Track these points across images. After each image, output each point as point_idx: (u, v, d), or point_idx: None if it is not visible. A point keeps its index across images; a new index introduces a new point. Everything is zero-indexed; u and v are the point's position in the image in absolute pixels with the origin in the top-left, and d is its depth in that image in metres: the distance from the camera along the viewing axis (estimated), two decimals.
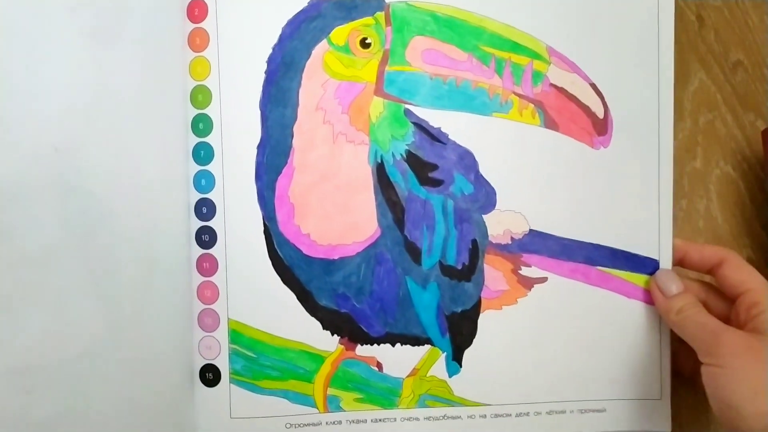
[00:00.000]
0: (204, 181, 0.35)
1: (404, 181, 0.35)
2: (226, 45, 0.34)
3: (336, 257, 0.35)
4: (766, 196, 0.40)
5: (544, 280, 0.36)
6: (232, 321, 0.35)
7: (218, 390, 0.35)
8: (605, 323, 0.36)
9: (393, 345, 0.36)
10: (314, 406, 0.36)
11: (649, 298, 0.36)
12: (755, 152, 0.40)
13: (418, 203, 0.35)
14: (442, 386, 0.36)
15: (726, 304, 0.35)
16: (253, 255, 0.35)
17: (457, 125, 0.35)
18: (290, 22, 0.34)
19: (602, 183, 0.36)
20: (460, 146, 0.35)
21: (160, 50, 0.34)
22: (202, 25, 0.34)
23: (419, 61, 0.35)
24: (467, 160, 0.35)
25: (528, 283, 0.36)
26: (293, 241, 0.35)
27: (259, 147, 0.35)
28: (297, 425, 0.36)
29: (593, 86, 0.35)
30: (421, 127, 0.35)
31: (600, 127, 0.35)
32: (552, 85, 0.35)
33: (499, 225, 0.36)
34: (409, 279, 0.35)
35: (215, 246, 0.35)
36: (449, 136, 0.35)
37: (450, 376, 0.36)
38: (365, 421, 0.36)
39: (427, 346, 0.36)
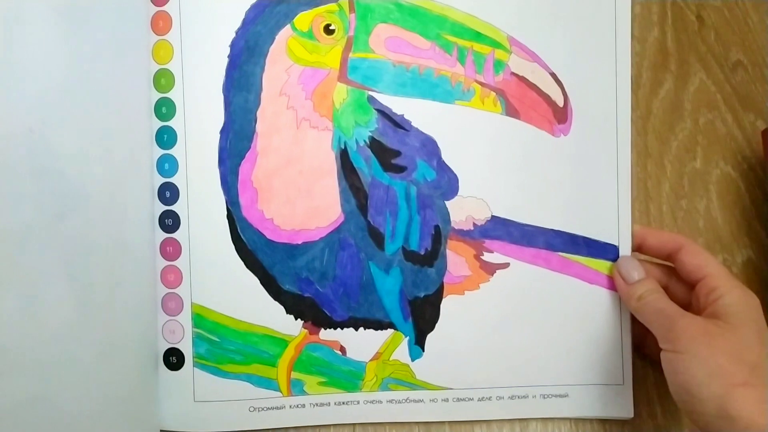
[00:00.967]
0: (167, 165, 0.35)
1: (368, 167, 0.36)
2: (189, 28, 0.34)
3: (299, 242, 0.35)
4: (766, 196, 0.40)
5: (506, 265, 0.37)
6: (196, 305, 0.35)
7: (182, 374, 0.35)
8: (567, 309, 0.37)
9: (356, 329, 0.36)
10: (278, 389, 0.36)
11: (610, 284, 0.36)
12: (755, 152, 0.40)
13: (381, 189, 0.36)
14: (405, 370, 0.36)
15: (687, 290, 0.35)
16: (216, 239, 0.35)
17: (420, 112, 0.36)
18: (254, 7, 0.35)
19: (563, 170, 0.36)
20: (423, 133, 0.36)
21: (125, 32, 0.34)
22: (164, 8, 0.34)
23: (382, 48, 0.35)
24: (430, 147, 0.36)
25: (490, 269, 0.37)
26: (256, 226, 0.35)
27: (222, 131, 0.35)
28: (260, 408, 0.36)
29: (553, 75, 0.36)
30: (384, 113, 0.36)
31: (560, 116, 0.36)
32: (513, 74, 0.36)
33: (461, 211, 0.36)
34: (372, 264, 0.36)
35: (179, 230, 0.35)
36: (412, 123, 0.36)
37: (413, 360, 0.36)
38: (329, 404, 0.36)
39: (390, 331, 0.36)
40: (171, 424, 0.36)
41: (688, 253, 0.34)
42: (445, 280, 0.36)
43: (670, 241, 0.35)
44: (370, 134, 0.36)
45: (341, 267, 0.36)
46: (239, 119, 0.35)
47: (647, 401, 0.38)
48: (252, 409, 0.36)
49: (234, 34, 0.35)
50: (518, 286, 0.37)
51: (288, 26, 0.35)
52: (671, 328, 0.31)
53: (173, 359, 0.36)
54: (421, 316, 0.36)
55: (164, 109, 0.35)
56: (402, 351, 0.36)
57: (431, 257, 0.36)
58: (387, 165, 0.36)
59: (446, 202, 0.36)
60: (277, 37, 0.35)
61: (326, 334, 0.36)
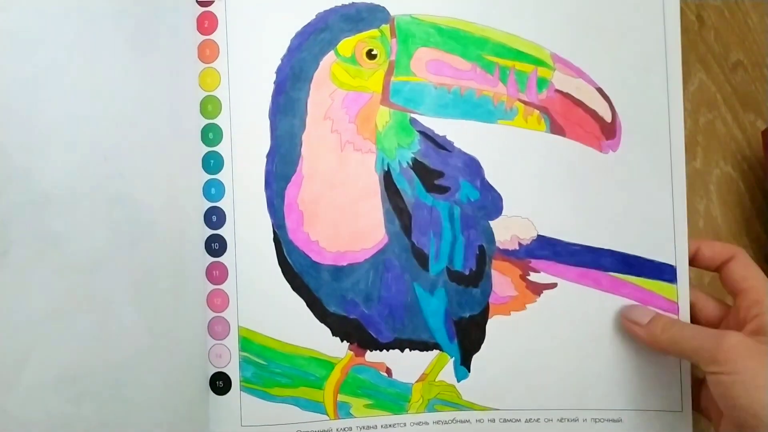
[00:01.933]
0: (214, 190, 0.36)
1: (411, 189, 0.36)
2: (235, 56, 0.35)
3: (344, 264, 0.36)
4: (766, 196, 0.40)
5: (553, 285, 0.36)
6: (242, 329, 0.36)
7: (229, 398, 0.36)
8: (619, 330, 0.36)
9: (402, 350, 0.36)
10: (324, 412, 0.36)
11: (667, 305, 0.35)
12: (755, 152, 0.40)
13: (425, 210, 0.36)
14: (451, 391, 0.36)
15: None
16: (262, 262, 0.35)
17: (462, 133, 0.36)
18: (299, 34, 0.35)
19: (612, 187, 0.36)
20: (465, 153, 0.36)
21: (178, 59, 0.34)
22: (212, 36, 0.35)
23: (424, 71, 0.36)
24: (473, 167, 0.36)
25: (537, 289, 0.36)
26: (302, 248, 0.35)
27: (268, 156, 0.35)
28: None
29: (599, 90, 0.36)
30: (426, 135, 0.36)
31: (608, 131, 0.36)
32: (557, 90, 0.36)
33: (506, 231, 0.36)
34: (417, 285, 0.36)
35: (225, 254, 0.36)
36: (455, 144, 0.36)
37: (459, 381, 0.36)
38: (375, 427, 0.36)
39: (436, 351, 0.36)
40: None
41: (740, 262, 0.33)
42: (491, 300, 0.36)
43: (723, 251, 0.34)
44: (413, 156, 0.36)
45: (386, 288, 0.36)
46: (285, 143, 0.35)
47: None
48: None
49: (280, 61, 0.35)
50: (566, 306, 0.36)
51: (331, 52, 0.35)
52: (718, 348, 0.30)
53: (220, 383, 0.36)
54: (467, 337, 0.36)
55: (211, 134, 0.35)
56: (448, 372, 0.36)
57: (476, 277, 0.36)
58: (430, 186, 0.36)
59: (491, 222, 0.36)
60: (321, 63, 0.35)
61: (372, 356, 0.36)
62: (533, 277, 0.36)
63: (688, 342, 0.32)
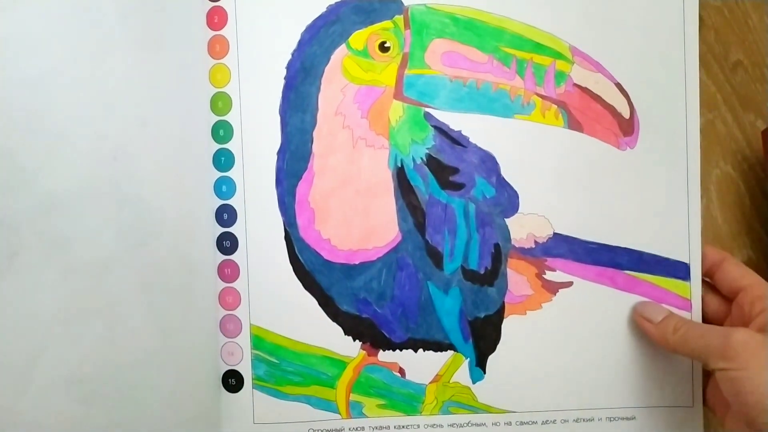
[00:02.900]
0: (225, 188, 0.35)
1: (425, 185, 0.35)
2: (245, 52, 0.34)
3: (357, 262, 0.35)
4: (766, 196, 0.39)
5: (569, 284, 0.35)
6: (254, 327, 0.35)
7: (241, 395, 0.35)
8: (633, 328, 0.35)
9: (415, 351, 0.36)
10: (337, 411, 0.36)
11: (681, 303, 0.35)
12: (755, 152, 0.40)
13: (439, 207, 0.35)
14: (466, 392, 0.36)
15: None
16: (274, 260, 0.35)
17: (477, 128, 0.35)
18: (309, 28, 0.34)
19: (629, 184, 0.35)
20: (481, 149, 0.35)
21: (187, 57, 0.34)
22: (221, 32, 0.35)
23: (439, 63, 0.35)
24: (489, 163, 0.35)
25: (553, 288, 0.35)
26: (314, 247, 0.35)
27: (279, 152, 0.35)
28: (320, 431, 0.36)
29: (618, 86, 0.35)
30: (441, 130, 0.35)
31: (626, 128, 0.35)
32: (575, 85, 0.35)
33: (522, 229, 0.35)
34: (431, 284, 0.35)
35: (236, 252, 0.35)
36: (470, 139, 0.35)
37: (474, 383, 0.35)
38: (388, 427, 0.36)
39: (450, 352, 0.35)
40: None
41: (731, 263, 0.34)
42: (506, 299, 0.35)
43: (714, 255, 0.35)
44: (427, 151, 0.35)
45: (399, 287, 0.35)
46: (296, 140, 0.35)
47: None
48: (311, 431, 0.35)
49: (290, 56, 0.34)
50: (582, 305, 0.35)
51: (343, 45, 0.34)
52: (727, 345, 0.30)
53: (232, 381, 0.36)
54: (482, 337, 0.35)
55: (221, 131, 0.35)
56: (463, 373, 0.36)
57: (491, 276, 0.35)
58: (445, 182, 0.35)
59: (506, 220, 0.35)
60: (332, 57, 0.34)
61: (385, 356, 0.36)
62: (549, 275, 0.35)
63: (697, 341, 0.32)
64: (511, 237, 0.35)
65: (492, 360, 0.35)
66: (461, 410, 0.36)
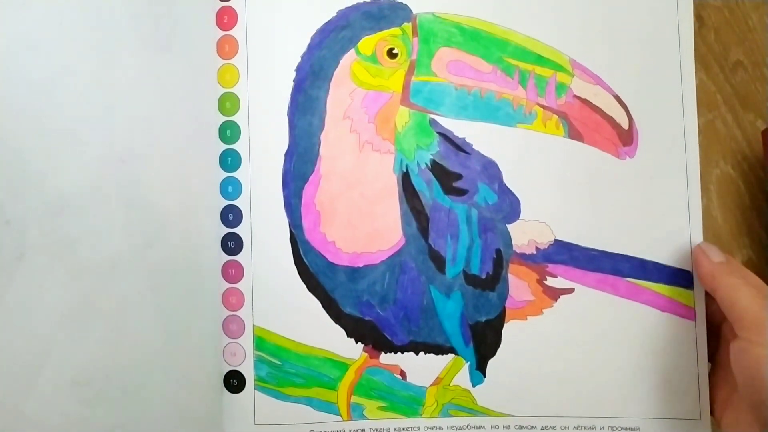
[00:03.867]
0: (231, 188, 0.35)
1: (429, 190, 0.35)
2: (255, 53, 0.35)
3: (360, 265, 0.35)
4: (766, 196, 0.40)
5: (570, 291, 0.36)
6: (257, 328, 0.35)
7: (243, 396, 0.35)
8: (637, 337, 0.35)
9: (417, 353, 0.36)
10: (338, 413, 0.36)
11: (684, 312, 0.35)
12: (755, 152, 0.40)
13: (443, 212, 0.35)
14: (466, 396, 0.36)
15: None
16: (278, 262, 0.35)
17: (481, 135, 0.36)
18: (319, 32, 0.35)
19: (630, 193, 0.35)
20: (484, 156, 0.36)
21: (195, 58, 0.34)
22: (231, 32, 0.35)
23: (445, 71, 0.35)
24: (491, 170, 0.36)
25: (554, 294, 0.36)
26: (319, 249, 0.35)
27: (286, 155, 0.35)
28: None
29: (617, 98, 0.36)
30: (446, 137, 0.36)
31: (625, 138, 0.36)
32: (576, 96, 0.35)
33: (523, 235, 0.36)
34: (433, 288, 0.36)
35: (241, 253, 0.35)
36: (473, 146, 0.36)
37: (474, 386, 0.36)
38: (388, 429, 0.36)
39: (451, 355, 0.36)
40: None
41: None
42: (507, 304, 0.36)
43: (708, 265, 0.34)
44: (432, 157, 0.35)
45: (402, 290, 0.35)
46: (303, 142, 0.35)
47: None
48: None
49: (299, 59, 0.35)
50: (583, 312, 0.36)
51: (352, 50, 0.35)
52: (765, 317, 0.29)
53: (234, 382, 0.35)
54: (483, 341, 0.36)
55: (229, 132, 0.35)
56: (463, 376, 0.36)
57: (492, 281, 0.36)
58: (448, 188, 0.36)
59: (508, 226, 0.36)
60: (341, 62, 0.35)
61: (386, 358, 0.36)
62: (550, 281, 0.36)
63: (741, 300, 0.31)
64: (513, 243, 0.36)
65: (492, 364, 0.36)
66: (461, 413, 0.36)
